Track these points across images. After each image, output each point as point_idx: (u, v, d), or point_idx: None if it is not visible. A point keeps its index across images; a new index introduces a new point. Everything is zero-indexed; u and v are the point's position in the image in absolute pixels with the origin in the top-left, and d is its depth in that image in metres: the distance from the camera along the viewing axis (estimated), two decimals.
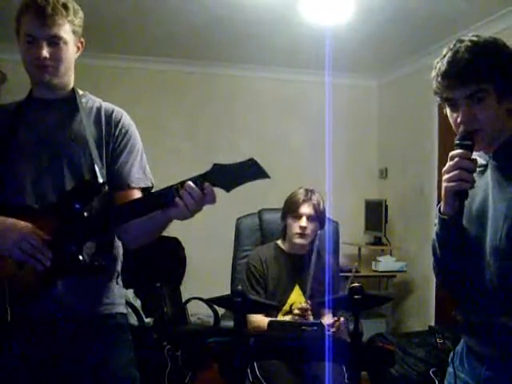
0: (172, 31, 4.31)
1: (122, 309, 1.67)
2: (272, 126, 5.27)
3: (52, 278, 1.47)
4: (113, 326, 1.62)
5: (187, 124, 5.18)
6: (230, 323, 2.78)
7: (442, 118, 4.33)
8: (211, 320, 4.21)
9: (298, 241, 2.77)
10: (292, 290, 2.77)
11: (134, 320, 3.75)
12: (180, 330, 4.22)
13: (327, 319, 2.68)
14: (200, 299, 4.04)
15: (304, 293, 2.74)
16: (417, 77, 4.77)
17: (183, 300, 4.47)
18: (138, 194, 1.61)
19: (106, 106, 1.67)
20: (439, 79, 1.32)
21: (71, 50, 1.58)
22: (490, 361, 1.36)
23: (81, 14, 1.60)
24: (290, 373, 2.49)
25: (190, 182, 1.34)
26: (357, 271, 4.74)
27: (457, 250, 1.38)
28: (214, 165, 1.35)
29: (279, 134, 5.27)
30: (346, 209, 4.88)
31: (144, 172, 1.66)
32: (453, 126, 1.37)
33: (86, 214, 1.47)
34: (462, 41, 1.32)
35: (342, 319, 2.51)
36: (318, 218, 2.79)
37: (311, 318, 2.60)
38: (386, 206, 4.93)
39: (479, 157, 1.40)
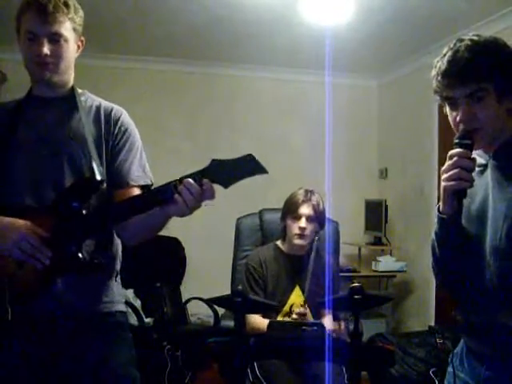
0: (172, 31, 4.31)
1: (122, 307, 1.68)
2: (272, 126, 5.27)
3: (52, 277, 1.48)
4: (112, 323, 1.62)
5: (187, 124, 5.18)
6: (230, 323, 2.78)
7: (442, 118, 4.33)
8: (211, 320, 4.20)
9: (298, 242, 2.77)
10: (292, 290, 2.77)
11: (134, 320, 3.75)
12: (180, 330, 4.22)
13: (327, 320, 2.68)
14: (200, 299, 4.04)
15: (304, 293, 2.74)
16: (417, 77, 4.77)
17: (183, 300, 4.47)
18: (137, 192, 1.61)
19: (105, 104, 1.67)
20: (439, 78, 1.32)
21: (72, 48, 1.59)
22: (490, 361, 1.36)
23: (81, 12, 1.60)
24: (291, 373, 2.49)
25: (189, 179, 1.33)
26: (356, 271, 4.76)
27: (456, 250, 1.38)
28: (213, 160, 1.34)
29: (279, 134, 5.27)
30: (346, 209, 4.88)
31: (143, 170, 1.66)
32: (452, 126, 1.37)
33: (84, 211, 1.47)
34: (462, 40, 1.32)
35: (342, 325, 2.51)
36: (318, 218, 2.79)
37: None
38: (386, 206, 4.92)
39: (479, 156, 1.40)
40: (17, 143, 1.57)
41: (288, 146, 5.25)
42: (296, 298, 2.75)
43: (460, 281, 1.41)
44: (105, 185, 1.57)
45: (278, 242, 2.90)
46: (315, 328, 2.29)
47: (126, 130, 1.65)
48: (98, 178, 1.54)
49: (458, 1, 3.59)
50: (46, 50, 1.52)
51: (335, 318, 2.82)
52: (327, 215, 2.91)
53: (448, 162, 1.30)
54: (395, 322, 5.02)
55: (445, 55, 1.32)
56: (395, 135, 5.35)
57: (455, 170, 1.28)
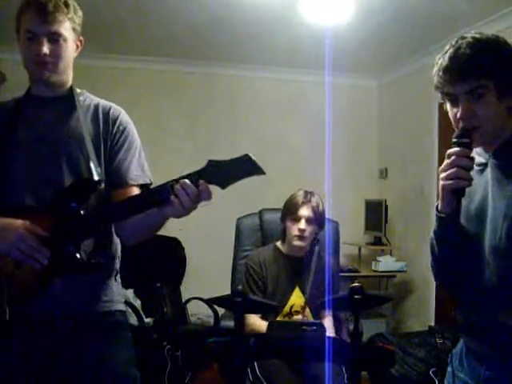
0: (172, 31, 4.31)
1: (121, 306, 1.67)
2: (272, 126, 5.27)
3: (50, 277, 1.47)
4: (112, 323, 1.62)
5: (187, 124, 5.18)
6: (230, 323, 2.78)
7: (442, 118, 4.34)
8: (211, 320, 4.20)
9: (297, 243, 2.77)
10: (292, 291, 2.77)
11: (133, 320, 3.75)
12: (180, 330, 4.22)
13: (328, 322, 2.68)
14: (200, 299, 4.04)
15: (304, 294, 2.74)
16: (417, 77, 4.77)
17: (183, 300, 4.47)
18: (136, 191, 1.61)
19: (104, 103, 1.68)
20: (440, 74, 1.33)
21: (71, 48, 1.59)
22: (490, 361, 1.36)
23: (80, 12, 1.61)
24: (291, 372, 2.49)
25: (185, 179, 1.33)
26: (356, 271, 4.76)
27: (455, 248, 1.38)
28: (209, 161, 1.33)
29: (279, 134, 5.27)
30: (346, 209, 4.88)
31: (142, 169, 1.66)
32: (452, 122, 1.36)
33: (82, 212, 1.47)
34: (464, 37, 1.33)
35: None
36: (317, 220, 2.79)
37: None
38: (386, 206, 4.92)
39: (479, 155, 1.40)
40: (16, 142, 1.57)
41: (288, 146, 5.25)
42: (296, 299, 2.75)
43: (459, 280, 1.41)
44: (103, 185, 1.56)
45: (278, 243, 2.90)
46: (315, 328, 2.29)
47: (125, 129, 1.65)
48: (96, 178, 1.54)
49: (458, 1, 3.58)
50: (46, 49, 1.52)
51: (335, 318, 2.82)
52: (327, 215, 2.91)
53: (446, 161, 1.30)
54: (395, 321, 5.02)
55: (446, 52, 1.33)
56: (395, 135, 5.35)
57: (453, 169, 1.28)
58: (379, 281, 5.10)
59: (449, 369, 1.50)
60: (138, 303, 4.05)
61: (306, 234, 2.75)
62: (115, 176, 1.61)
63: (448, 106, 1.37)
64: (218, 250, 4.18)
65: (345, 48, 4.38)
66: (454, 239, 1.37)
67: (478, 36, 1.33)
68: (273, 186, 4.37)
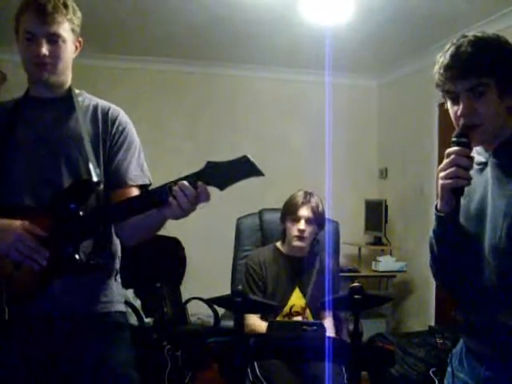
0: (172, 31, 4.31)
1: (121, 307, 1.67)
2: (272, 126, 5.27)
3: (49, 278, 1.47)
4: (111, 324, 1.62)
5: (188, 124, 5.18)
6: (230, 323, 2.78)
7: (442, 118, 4.35)
8: (211, 320, 4.20)
9: (297, 243, 2.77)
10: (292, 292, 2.77)
11: (133, 320, 3.76)
12: (180, 330, 4.22)
13: (328, 323, 2.68)
14: (200, 299, 4.04)
15: (304, 295, 2.74)
16: (417, 77, 4.77)
17: (183, 300, 4.47)
18: (135, 192, 1.61)
19: (103, 104, 1.67)
20: (441, 71, 1.33)
21: (69, 49, 1.59)
22: (490, 360, 1.36)
23: (79, 13, 1.61)
24: (290, 373, 2.49)
25: (184, 181, 1.33)
26: (356, 271, 4.76)
27: (454, 248, 1.38)
28: (208, 163, 1.33)
29: (279, 134, 5.27)
30: (346, 209, 4.88)
31: (142, 169, 1.66)
32: (453, 120, 1.37)
33: (81, 213, 1.47)
34: (465, 36, 1.34)
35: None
36: (317, 220, 2.79)
37: None
38: (386, 206, 4.92)
39: (479, 154, 1.40)
40: (15, 143, 1.57)
41: (288, 146, 5.25)
42: (296, 299, 2.75)
43: (458, 279, 1.41)
44: (102, 186, 1.56)
45: (278, 244, 2.90)
46: (315, 328, 2.29)
47: (124, 129, 1.65)
48: (95, 179, 1.54)
49: (458, 1, 3.58)
50: (45, 50, 1.52)
51: (335, 318, 2.82)
52: (327, 215, 2.91)
53: (445, 160, 1.30)
54: (395, 321, 5.02)
55: (448, 50, 1.33)
56: (395, 135, 5.35)
57: (452, 169, 1.28)
58: (379, 281, 5.10)
59: (448, 369, 1.50)
60: (138, 303, 4.05)
61: (306, 234, 2.75)
62: (114, 176, 1.61)
63: (449, 103, 1.38)
64: (217, 250, 4.18)
65: (345, 48, 4.38)
66: (453, 238, 1.36)
67: (479, 34, 1.33)
68: (273, 186, 4.37)
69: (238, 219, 3.27)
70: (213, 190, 1.34)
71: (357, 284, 2.10)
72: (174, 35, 4.43)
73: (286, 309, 2.73)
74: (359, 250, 5.07)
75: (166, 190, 1.34)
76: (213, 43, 4.59)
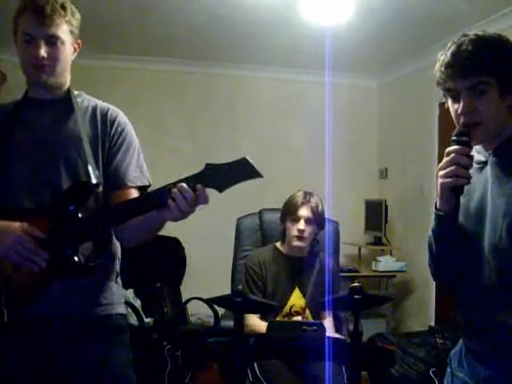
0: (172, 31, 4.31)
1: (122, 309, 1.66)
2: (272, 126, 5.27)
3: (48, 280, 1.47)
4: (112, 327, 1.61)
5: (188, 124, 5.18)
6: (230, 323, 2.78)
7: (442, 118, 4.35)
8: (211, 320, 4.20)
9: (297, 243, 2.77)
10: (291, 292, 2.77)
11: (133, 320, 3.76)
12: (180, 330, 4.22)
13: (328, 323, 2.68)
14: (200, 299, 4.04)
15: (304, 295, 2.74)
16: (417, 77, 4.77)
17: (183, 300, 4.47)
18: (135, 193, 1.61)
19: (102, 105, 1.67)
20: (442, 69, 1.33)
21: (68, 51, 1.59)
22: (490, 360, 1.36)
23: (78, 15, 1.60)
24: (290, 373, 2.49)
25: (183, 183, 1.33)
26: (356, 271, 4.75)
27: (453, 247, 1.38)
28: (207, 165, 1.33)
29: (279, 133, 5.27)
30: (346, 209, 4.88)
31: (141, 170, 1.66)
32: (453, 118, 1.37)
33: (80, 215, 1.47)
34: (466, 35, 1.34)
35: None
36: (317, 220, 2.79)
37: None
38: (386, 206, 4.92)
39: (479, 153, 1.40)
40: (14, 145, 1.57)
41: (288, 146, 5.25)
42: (296, 299, 2.75)
43: (458, 279, 1.41)
44: (101, 188, 1.56)
45: (278, 244, 2.90)
46: (315, 328, 2.29)
47: (123, 130, 1.65)
48: (94, 181, 1.53)
49: (458, 1, 3.58)
50: (43, 52, 1.52)
51: (335, 318, 2.82)
52: (327, 215, 2.91)
53: (445, 159, 1.30)
54: (395, 321, 5.02)
55: (449, 48, 1.34)
56: (395, 135, 5.35)
57: (452, 167, 1.28)
58: (379, 281, 5.10)
59: (448, 369, 1.50)
60: (138, 303, 4.05)
61: (306, 234, 2.75)
62: (113, 178, 1.61)
63: (449, 102, 1.38)
64: (217, 250, 4.18)
65: (345, 48, 4.38)
66: (453, 237, 1.36)
67: (480, 33, 1.34)
68: (273, 186, 4.36)
69: (238, 219, 3.27)
70: (211, 192, 1.35)
71: (357, 284, 2.10)
72: (173, 35, 4.43)
73: (286, 309, 2.73)
74: (359, 249, 5.07)
75: (165, 192, 1.34)
76: (213, 43, 4.59)
